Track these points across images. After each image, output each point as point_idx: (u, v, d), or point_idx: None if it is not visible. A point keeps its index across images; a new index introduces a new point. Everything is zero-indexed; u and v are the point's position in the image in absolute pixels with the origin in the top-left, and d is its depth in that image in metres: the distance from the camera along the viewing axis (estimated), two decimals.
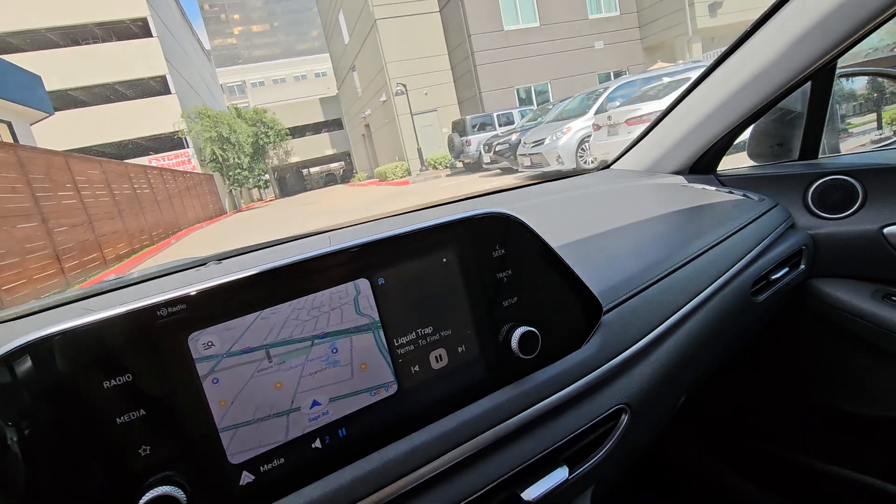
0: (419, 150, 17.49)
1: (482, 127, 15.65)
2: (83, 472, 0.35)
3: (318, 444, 0.42)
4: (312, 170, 50.42)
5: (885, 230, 0.89)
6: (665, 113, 1.09)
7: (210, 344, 0.38)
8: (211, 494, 0.38)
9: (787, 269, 0.90)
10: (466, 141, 15.79)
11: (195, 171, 24.65)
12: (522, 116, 14.53)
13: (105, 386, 0.36)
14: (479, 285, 0.49)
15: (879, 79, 1.62)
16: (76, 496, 0.35)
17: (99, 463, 0.36)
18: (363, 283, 0.43)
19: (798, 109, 1.05)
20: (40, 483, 0.35)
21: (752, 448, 1.15)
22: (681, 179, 1.06)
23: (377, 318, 0.44)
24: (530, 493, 0.52)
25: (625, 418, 0.60)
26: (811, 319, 0.99)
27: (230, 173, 29.72)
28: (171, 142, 25.62)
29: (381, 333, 0.44)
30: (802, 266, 0.93)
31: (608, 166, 1.25)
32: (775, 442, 1.11)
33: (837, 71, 0.99)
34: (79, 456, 0.35)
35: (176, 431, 0.37)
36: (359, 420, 0.43)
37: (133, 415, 0.37)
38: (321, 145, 42.39)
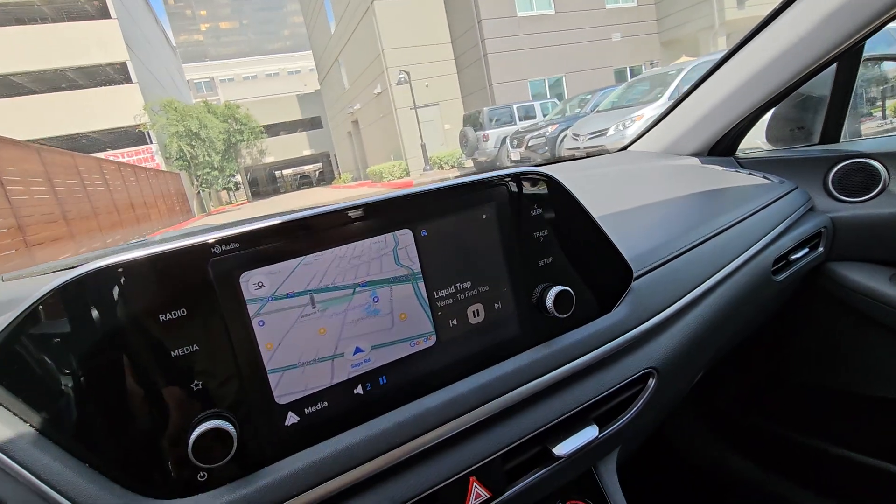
0: (423, 147, 16.53)
1: (500, 121, 14.34)
2: (139, 405, 0.36)
3: (360, 389, 0.44)
4: (285, 172, 49.07)
5: None
6: (685, 95, 1.11)
7: (260, 284, 0.40)
8: (258, 431, 0.40)
9: (806, 251, 0.90)
10: (483, 136, 14.42)
11: (160, 170, 20.91)
12: (543, 110, 13.77)
13: (161, 319, 0.37)
14: (516, 243, 0.51)
15: None
16: (133, 429, 0.36)
17: (154, 396, 0.37)
18: (404, 235, 0.45)
19: (818, 93, 1.06)
20: (98, 416, 0.36)
21: (763, 429, 1.14)
22: (701, 160, 1.06)
23: (417, 270, 0.45)
24: (561, 448, 0.53)
25: (652, 382, 0.61)
26: (828, 301, 0.99)
27: (199, 173, 28.12)
28: (131, 137, 23.95)
29: (421, 284, 0.45)
30: (821, 248, 0.95)
31: (625, 148, 1.26)
32: (786, 424, 1.10)
33: (864, 54, 0.98)
34: (134, 389, 0.36)
35: (227, 369, 0.39)
36: (399, 369, 0.46)
37: (187, 349, 0.38)
38: (298, 145, 40.95)
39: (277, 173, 48.02)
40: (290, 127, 40.55)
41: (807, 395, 1.09)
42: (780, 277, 0.86)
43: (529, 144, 10.23)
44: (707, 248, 0.73)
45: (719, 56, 1.06)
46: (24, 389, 0.35)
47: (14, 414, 0.35)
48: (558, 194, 0.55)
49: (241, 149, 33.34)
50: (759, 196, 0.89)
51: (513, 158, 11.24)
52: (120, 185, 13.35)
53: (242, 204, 34.42)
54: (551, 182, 0.54)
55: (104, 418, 0.36)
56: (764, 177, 0.98)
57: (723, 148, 1.12)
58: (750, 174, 1.00)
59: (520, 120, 13.68)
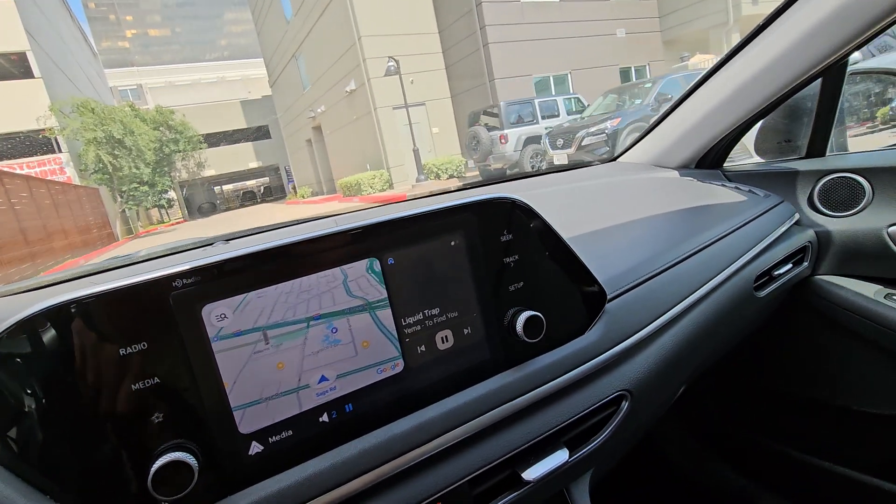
0: (416, 153, 14.47)
1: (521, 119, 12.24)
2: (98, 437, 0.39)
3: (325, 418, 0.47)
4: (225, 187, 45.98)
5: (890, 229, 0.95)
6: (674, 106, 1.17)
7: (223, 316, 0.43)
8: (221, 462, 0.42)
9: (790, 266, 0.96)
10: (500, 137, 12.16)
11: (72, 184, 19.93)
12: (566, 107, 12.32)
13: (121, 353, 0.39)
14: (486, 269, 0.55)
15: (892, 77, 1.65)
16: (92, 460, 0.38)
17: (114, 428, 0.39)
18: (353, 268, 0.48)
19: (806, 107, 1.13)
20: (57, 447, 0.38)
21: (748, 442, 1.19)
22: (687, 173, 1.12)
23: (374, 299, 0.49)
24: (530, 473, 0.55)
25: (625, 404, 0.64)
26: (813, 316, 1.05)
27: (123, 188, 25.05)
28: (33, 143, 18.58)
29: (381, 313, 0.49)
30: (806, 263, 1.00)
31: (615, 158, 1.31)
32: (771, 436, 1.15)
33: (849, 69, 1.06)
34: (94, 421, 0.38)
35: (188, 400, 0.41)
36: (366, 396, 0.48)
37: (147, 382, 0.40)
38: (243, 157, 38.04)
39: (217, 189, 45.30)
40: (233, 137, 38.40)
41: (793, 408, 1.13)
42: (763, 293, 0.89)
43: (584, 144, 8.77)
44: (687, 265, 0.76)
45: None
46: None
47: None
48: (528, 219, 0.58)
49: (175, 161, 30.22)
50: (745, 210, 0.93)
51: (556, 161, 9.73)
52: (9, 203, 9.09)
53: (177, 223, 31.95)
54: (521, 207, 0.57)
55: (65, 450, 0.38)
56: (750, 190, 1.03)
57: (710, 160, 1.16)
58: (736, 188, 1.05)
59: (542, 118, 12.05)
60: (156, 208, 30.73)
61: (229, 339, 0.42)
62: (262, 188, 44.55)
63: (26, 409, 0.37)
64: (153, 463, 0.38)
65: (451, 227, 0.53)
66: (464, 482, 0.52)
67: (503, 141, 11.31)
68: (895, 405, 0.98)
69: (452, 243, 0.53)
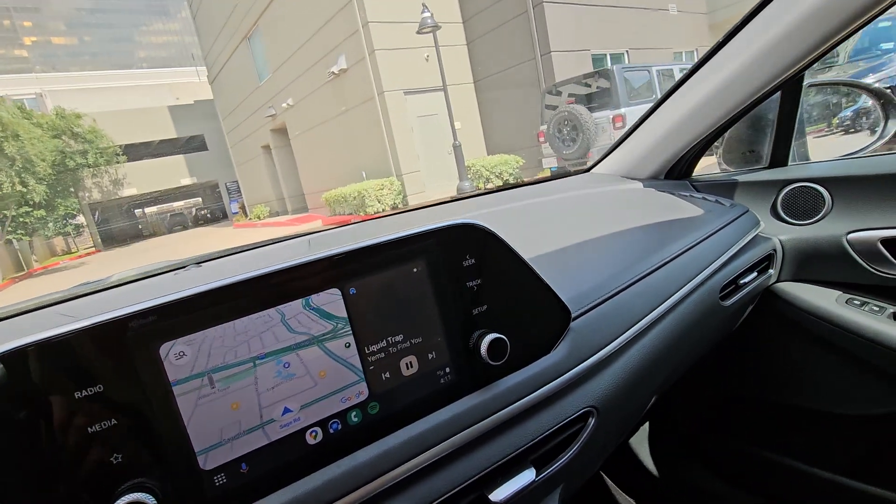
0: (457, 148, 10.01)
1: (638, 94, 8.60)
2: (55, 481, 0.39)
3: (289, 449, 0.48)
4: (148, 210, 40.31)
5: (849, 236, 1.01)
6: (643, 118, 1.22)
7: (181, 354, 0.44)
8: (183, 500, 0.43)
9: (755, 274, 1.01)
10: (615, 119, 8.21)
11: None
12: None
13: (76, 396, 0.40)
14: (449, 294, 0.57)
15: (845, 89, 1.74)
16: (50, 502, 0.39)
17: (71, 471, 0.40)
18: (290, 306, 0.49)
19: (768, 118, 1.19)
20: (13, 491, 0.38)
21: (722, 446, 1.26)
22: (656, 185, 1.17)
23: (315, 333, 0.50)
24: (498, 494, 0.56)
25: (592, 421, 0.66)
26: (779, 322, 1.11)
27: (6, 212, 19.19)
28: None
29: (327, 345, 0.50)
30: (771, 271, 1.05)
31: (589, 170, 1.35)
32: (744, 440, 1.22)
33: (806, 81, 1.14)
34: (50, 465, 0.39)
35: (147, 439, 0.42)
36: (329, 425, 0.50)
37: (104, 424, 0.40)
38: (173, 172, 31.40)
39: (139, 211, 39.60)
40: (160, 149, 32.60)
41: (763, 412, 1.20)
42: (730, 302, 0.93)
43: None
44: (653, 279, 0.78)
45: None
46: None
47: None
48: (491, 243, 0.60)
49: (83, 177, 24.24)
50: (711, 221, 0.98)
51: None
52: None
53: (88, 254, 25.73)
54: (483, 231, 0.60)
55: (23, 494, 0.38)
56: (716, 200, 1.09)
57: (679, 171, 1.21)
58: (703, 198, 1.10)
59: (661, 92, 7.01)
60: (60, 236, 25.77)
61: (185, 382, 0.44)
62: (194, 211, 37.35)
63: None
64: (114, 502, 0.38)
65: (414, 254, 0.55)
66: None
67: (619, 124, 7.12)
68: (858, 406, 1.04)
69: (415, 270, 0.55)
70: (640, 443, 1.33)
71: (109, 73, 52.66)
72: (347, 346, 0.51)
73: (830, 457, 1.08)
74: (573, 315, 0.66)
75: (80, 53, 71.72)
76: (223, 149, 27.23)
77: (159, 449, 0.42)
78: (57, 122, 21.56)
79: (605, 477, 1.25)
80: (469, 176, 10.65)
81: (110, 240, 31.48)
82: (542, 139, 9.04)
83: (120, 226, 34.44)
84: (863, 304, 0.99)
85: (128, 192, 27.52)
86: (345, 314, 0.50)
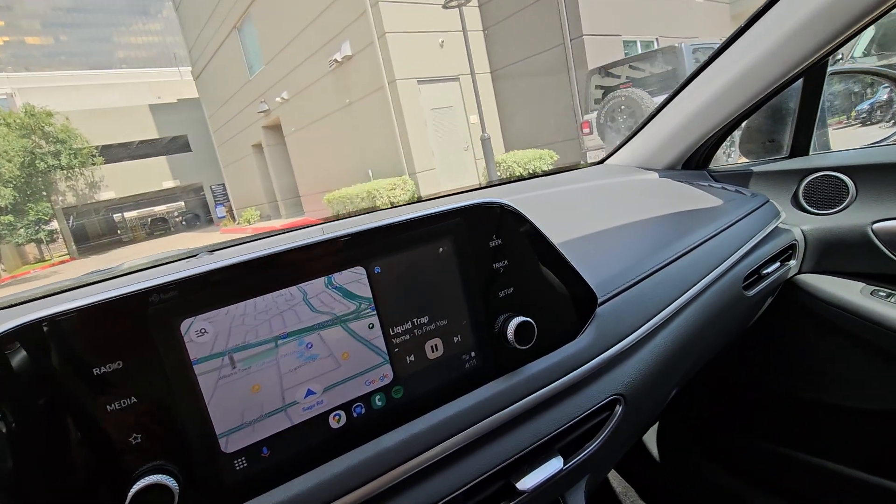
0: (485, 141, 9.16)
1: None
2: (73, 460, 0.38)
3: (312, 433, 0.47)
4: (128, 214, 37.24)
5: (875, 226, 0.99)
6: (660, 108, 1.19)
7: (203, 331, 0.43)
8: (203, 483, 0.41)
9: (778, 264, 1.00)
10: None
11: None
12: None
13: (95, 373, 0.39)
14: (475, 275, 0.56)
15: (869, 78, 1.70)
16: (66, 484, 0.38)
17: (89, 451, 0.38)
18: (312, 284, 0.47)
19: (789, 107, 1.17)
20: (30, 471, 0.37)
21: (740, 442, 1.22)
22: (674, 175, 1.15)
23: (339, 313, 0.48)
24: (525, 482, 0.55)
25: (619, 409, 0.65)
26: (801, 314, 1.09)
27: None
28: None
29: (351, 325, 0.49)
30: (793, 261, 1.04)
31: (603, 161, 1.33)
32: (763, 436, 1.19)
33: (829, 69, 1.11)
34: (69, 443, 0.38)
35: (167, 419, 0.41)
36: (353, 408, 0.49)
37: (123, 402, 0.39)
38: (153, 175, 29.16)
39: (118, 216, 36.79)
40: (140, 150, 30.41)
41: (783, 406, 1.17)
42: (752, 292, 0.92)
43: None
44: (676, 267, 0.77)
45: None
46: None
47: None
48: (517, 223, 0.59)
49: (56, 180, 22.40)
50: (731, 211, 0.96)
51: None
52: None
53: (62, 262, 23.78)
54: (510, 211, 0.58)
55: (40, 474, 0.37)
56: (736, 190, 1.07)
57: (696, 161, 1.19)
58: (723, 188, 1.08)
59: None
60: (33, 243, 23.83)
61: (207, 361, 0.42)
62: (177, 213, 35.43)
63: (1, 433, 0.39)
64: (131, 486, 0.37)
65: (439, 233, 0.53)
66: (458, 494, 0.52)
67: None
68: (883, 400, 1.02)
69: (441, 250, 0.53)
70: (650, 436, 1.30)
71: (87, 72, 50.62)
72: (371, 326, 0.49)
73: (851, 452, 1.06)
74: (599, 301, 0.64)
75: (57, 53, 69.67)
76: (209, 149, 25.97)
77: (180, 430, 0.40)
78: (26, 121, 19.92)
79: (614, 471, 1.24)
80: (499, 173, 9.74)
81: (86, 246, 29.91)
82: (585, 130, 7.97)
83: (97, 231, 32.53)
84: (888, 295, 0.98)
85: (105, 195, 25.88)
86: (369, 294, 0.49)
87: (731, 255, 0.85)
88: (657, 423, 1.27)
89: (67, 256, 26.00)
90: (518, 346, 0.54)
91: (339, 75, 12.13)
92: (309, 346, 0.46)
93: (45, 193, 20.79)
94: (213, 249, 0.74)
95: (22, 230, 19.17)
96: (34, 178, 19.76)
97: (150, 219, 35.98)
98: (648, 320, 0.68)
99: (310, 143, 14.70)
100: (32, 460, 0.36)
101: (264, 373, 0.43)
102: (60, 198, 23.09)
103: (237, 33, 16.68)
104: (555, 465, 0.57)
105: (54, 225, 24.01)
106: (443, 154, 11.29)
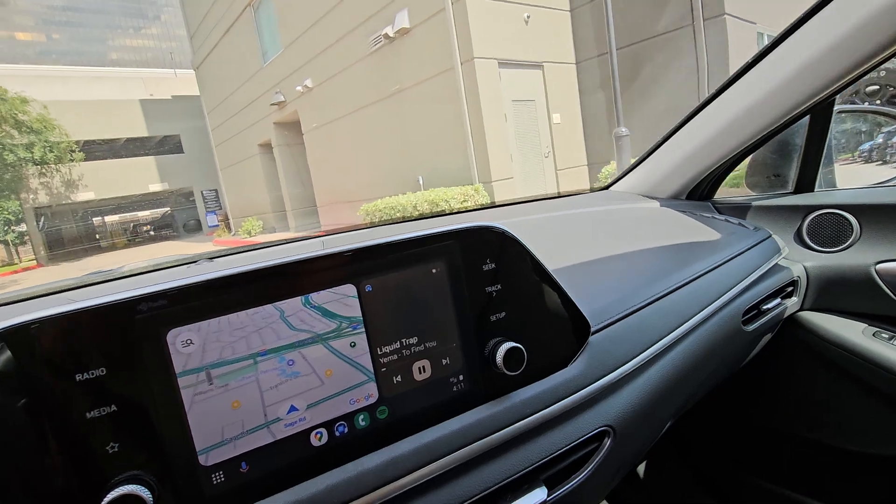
0: (622, 139, 6.57)
1: None
2: (47, 466, 0.38)
3: (292, 450, 0.46)
4: (109, 218, 33.16)
5: (878, 266, 0.98)
6: (667, 136, 1.19)
7: (188, 342, 0.43)
8: (179, 496, 0.41)
9: (778, 300, 0.98)
10: None
11: None
12: None
13: (78, 378, 0.39)
14: (467, 298, 0.56)
15: (878, 117, 1.68)
16: (41, 489, 0.38)
17: (64, 458, 0.38)
18: (293, 303, 0.47)
19: (795, 142, 1.17)
20: (5, 472, 0.37)
21: (735, 478, 1.19)
22: (678, 204, 1.15)
23: (319, 331, 0.48)
24: None
25: (608, 441, 0.64)
26: (801, 351, 1.07)
27: None
28: None
29: (332, 343, 0.49)
30: (794, 298, 1.02)
31: (607, 187, 1.32)
32: (755, 472, 1.16)
33: (836, 107, 1.12)
34: (46, 448, 0.38)
35: (146, 430, 0.41)
36: (335, 427, 0.48)
37: (103, 410, 0.39)
38: (139, 176, 25.61)
39: (97, 220, 32.80)
40: (126, 148, 27.08)
41: (781, 445, 1.14)
42: (751, 327, 0.91)
43: None
44: (674, 298, 0.76)
45: None
46: None
47: None
48: (513, 248, 0.59)
49: (28, 175, 19.51)
50: (733, 244, 0.94)
51: None
52: None
53: (27, 269, 20.36)
54: (506, 236, 0.58)
55: (14, 478, 0.37)
56: (739, 223, 1.05)
57: (701, 191, 1.18)
58: (726, 220, 1.07)
59: None
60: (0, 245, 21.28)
61: (191, 374, 0.42)
62: (165, 217, 32.10)
63: None
64: (105, 495, 0.36)
65: (433, 254, 0.53)
66: None
67: None
68: (884, 445, 0.99)
69: (434, 271, 0.53)
70: (651, 471, 1.26)
71: (76, 68, 47.39)
72: (353, 345, 0.49)
73: (847, 496, 1.04)
74: (592, 330, 0.64)
75: (48, 52, 67.42)
76: (202, 152, 24.05)
77: (158, 441, 0.40)
78: None
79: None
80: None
81: (61, 252, 26.75)
82: None
83: (73, 236, 29.18)
84: (891, 337, 0.96)
85: (83, 196, 23.44)
86: (349, 313, 0.49)
87: (731, 288, 0.85)
88: (651, 455, 1.25)
89: (34, 262, 22.68)
90: (507, 372, 0.53)
91: (385, 56, 9.66)
92: (290, 362, 0.46)
93: (13, 188, 17.79)
94: (213, 256, 0.75)
95: None
96: (0, 172, 16.74)
97: (132, 225, 33.66)
98: (643, 351, 0.68)
99: (336, 141, 11.99)
100: (8, 462, 0.36)
101: (244, 389, 0.43)
102: (31, 196, 20.94)
103: (251, 12, 14.09)
104: (539, 495, 0.55)
105: (23, 228, 20.76)
106: (521, 159, 8.93)
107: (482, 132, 8.30)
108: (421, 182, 9.55)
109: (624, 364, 0.65)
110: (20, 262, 23.77)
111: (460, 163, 8.73)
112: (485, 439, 0.53)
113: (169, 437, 0.40)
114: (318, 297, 0.47)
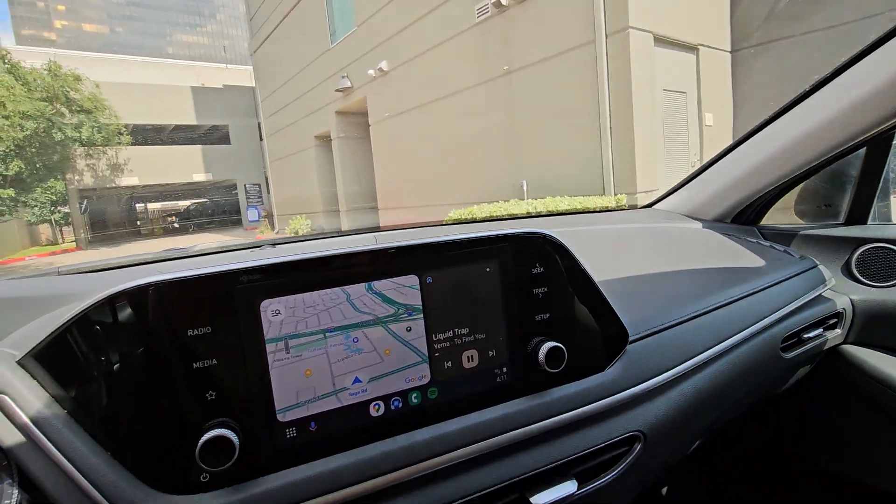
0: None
1: None
2: (159, 405, 0.44)
3: (354, 417, 0.51)
4: (151, 206, 32.48)
5: None
6: (717, 158, 1.18)
7: (277, 312, 0.48)
8: (259, 444, 0.47)
9: (820, 331, 0.97)
10: None
11: None
12: None
13: (189, 333, 0.45)
14: (515, 297, 0.59)
15: None
16: (150, 425, 0.44)
17: (173, 399, 0.44)
18: (355, 287, 0.52)
19: (850, 173, 1.14)
20: (122, 408, 0.43)
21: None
22: (722, 227, 1.14)
23: (379, 315, 0.53)
24: (539, 498, 0.57)
25: (638, 446, 0.66)
26: (843, 385, 1.03)
27: None
28: None
29: (391, 326, 0.53)
30: (838, 330, 1.00)
31: (651, 205, 1.33)
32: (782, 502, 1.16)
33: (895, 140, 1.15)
34: (158, 390, 0.44)
35: (237, 384, 0.46)
36: (392, 401, 0.53)
37: (206, 363, 0.45)
38: (185, 165, 24.17)
39: (140, 206, 32.14)
40: (175, 136, 25.80)
41: (813, 479, 1.10)
42: (791, 355, 0.90)
43: None
44: (712, 318, 0.78)
45: None
46: (64, 378, 0.43)
47: (53, 398, 0.43)
48: (561, 255, 0.63)
49: (74, 156, 18.35)
50: (777, 270, 0.93)
51: None
52: None
53: (66, 251, 19.06)
54: (555, 243, 0.62)
55: (127, 414, 0.43)
56: (785, 250, 1.04)
57: (747, 217, 1.16)
58: (771, 246, 1.05)
59: None
60: (45, 223, 20.33)
61: (277, 341, 0.48)
62: (208, 210, 31.15)
63: (101, 373, 0.42)
64: (202, 435, 0.42)
65: (488, 254, 0.58)
66: (474, 498, 0.55)
67: None
68: None
69: (487, 269, 0.58)
70: (667, 491, 1.22)
71: (130, 58, 47.77)
72: (409, 329, 0.54)
73: None
74: (630, 338, 0.67)
75: (110, 44, 69.63)
76: (251, 144, 23.83)
77: (247, 395, 0.45)
78: (48, 81, 15.87)
79: None
80: None
81: (99, 235, 25.48)
82: None
83: (116, 220, 28.58)
84: None
85: (128, 180, 22.84)
86: (406, 300, 0.53)
87: (772, 313, 0.84)
88: (677, 475, 1.21)
89: (74, 245, 21.82)
90: (548, 369, 0.57)
91: (490, 30, 7.77)
92: (355, 340, 0.51)
93: (59, 167, 17.13)
94: (276, 243, 0.80)
95: (36, 209, 16.78)
96: (46, 150, 15.77)
97: (172, 213, 33.36)
98: (678, 364, 0.70)
99: (410, 134, 10.17)
100: (128, 400, 0.42)
101: (315, 360, 0.48)
102: (76, 177, 19.72)
103: None
104: (569, 487, 0.58)
105: (66, 209, 19.97)
106: (666, 166, 6.82)
107: (628, 127, 6.21)
108: (525, 188, 7.73)
109: (658, 375, 0.66)
110: (63, 242, 23.08)
111: (586, 166, 6.72)
112: (523, 429, 0.56)
113: (256, 393, 0.45)
114: (379, 284, 0.52)
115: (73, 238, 23.84)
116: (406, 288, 0.52)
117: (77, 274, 0.66)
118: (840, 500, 1.06)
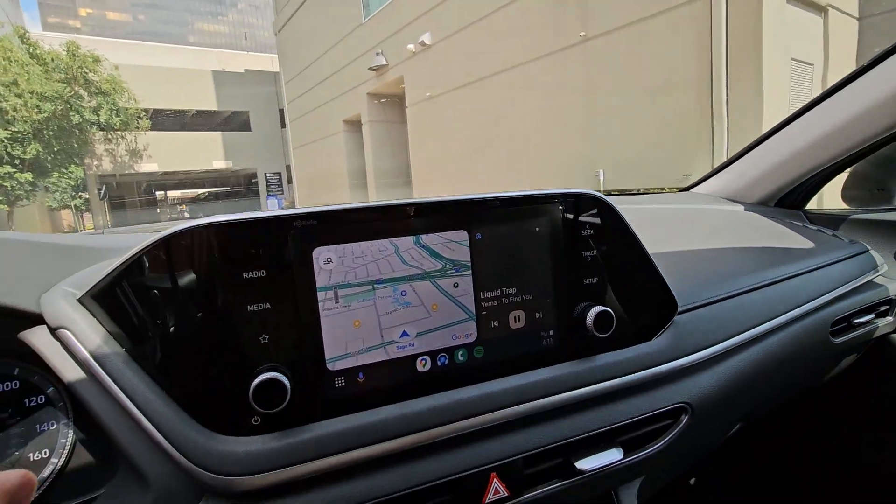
0: None
1: None
2: (212, 347, 0.44)
3: (401, 371, 0.52)
4: (171, 193, 31.89)
5: None
6: (760, 140, 1.14)
7: (329, 260, 0.48)
8: (309, 390, 0.47)
9: (871, 316, 0.93)
10: None
11: None
12: None
13: (244, 276, 0.45)
14: (564, 259, 0.59)
15: None
16: (206, 366, 0.44)
17: (226, 342, 0.45)
18: (402, 240, 0.52)
19: None
20: (178, 348, 0.44)
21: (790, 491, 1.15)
22: (766, 211, 1.11)
23: (427, 269, 0.53)
24: (584, 463, 0.57)
25: (685, 418, 0.66)
26: (892, 376, 0.99)
27: None
28: None
29: (438, 281, 0.53)
30: (890, 318, 0.96)
31: (688, 189, 1.28)
32: (825, 495, 1.11)
33: None
34: (212, 332, 0.44)
35: (290, 328, 0.47)
36: (439, 357, 0.53)
37: (260, 306, 0.45)
38: (204, 152, 23.30)
39: (160, 194, 31.55)
40: (195, 121, 25.06)
41: (855, 472, 1.05)
42: (840, 339, 0.87)
43: None
44: (760, 295, 0.76)
45: None
46: (123, 319, 0.44)
47: (112, 336, 0.44)
48: (611, 219, 0.62)
49: (93, 140, 17.81)
50: (826, 253, 0.91)
51: None
52: None
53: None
54: (605, 206, 0.61)
55: (183, 355, 0.44)
56: (833, 234, 1.00)
57: (791, 200, 1.11)
58: (819, 230, 1.02)
59: None
60: (67, 209, 19.47)
61: (327, 290, 0.48)
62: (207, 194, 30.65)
63: (157, 315, 0.43)
64: (255, 377, 0.42)
65: (538, 213, 0.57)
66: (518, 459, 0.55)
67: None
68: None
69: (536, 229, 0.57)
70: (712, 473, 1.20)
71: (151, 44, 47.44)
72: (456, 286, 0.53)
73: None
74: (679, 309, 0.66)
75: (133, 32, 70.06)
76: (271, 131, 23.57)
77: (299, 341, 0.46)
78: (67, 62, 15.12)
79: None
80: None
81: (119, 222, 24.93)
82: None
83: (135, 206, 27.85)
84: None
85: (147, 167, 22.18)
86: (453, 256, 0.53)
87: (822, 295, 0.82)
88: (716, 458, 1.20)
89: (93, 230, 21.18)
90: (596, 334, 0.56)
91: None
92: (403, 293, 0.50)
93: (77, 152, 16.55)
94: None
95: (57, 194, 16.16)
96: (63, 133, 15.07)
97: (190, 200, 33.53)
98: (726, 339, 0.69)
99: (455, 116, 8.70)
100: (184, 342, 0.43)
101: (363, 311, 0.48)
102: (96, 163, 19.00)
103: None
104: (615, 454, 0.58)
105: (86, 196, 19.39)
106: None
107: (755, 105, 4.73)
108: (601, 178, 6.50)
109: (706, 348, 0.66)
110: (84, 229, 22.55)
111: (690, 154, 5.33)
112: (568, 393, 0.56)
113: (307, 341, 0.46)
114: (427, 238, 0.51)
115: (92, 225, 23.41)
116: (454, 243, 0.52)
117: (122, 234, 0.69)
118: (880, 499, 1.04)
